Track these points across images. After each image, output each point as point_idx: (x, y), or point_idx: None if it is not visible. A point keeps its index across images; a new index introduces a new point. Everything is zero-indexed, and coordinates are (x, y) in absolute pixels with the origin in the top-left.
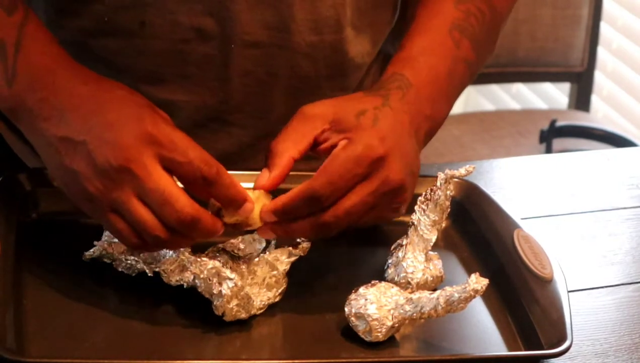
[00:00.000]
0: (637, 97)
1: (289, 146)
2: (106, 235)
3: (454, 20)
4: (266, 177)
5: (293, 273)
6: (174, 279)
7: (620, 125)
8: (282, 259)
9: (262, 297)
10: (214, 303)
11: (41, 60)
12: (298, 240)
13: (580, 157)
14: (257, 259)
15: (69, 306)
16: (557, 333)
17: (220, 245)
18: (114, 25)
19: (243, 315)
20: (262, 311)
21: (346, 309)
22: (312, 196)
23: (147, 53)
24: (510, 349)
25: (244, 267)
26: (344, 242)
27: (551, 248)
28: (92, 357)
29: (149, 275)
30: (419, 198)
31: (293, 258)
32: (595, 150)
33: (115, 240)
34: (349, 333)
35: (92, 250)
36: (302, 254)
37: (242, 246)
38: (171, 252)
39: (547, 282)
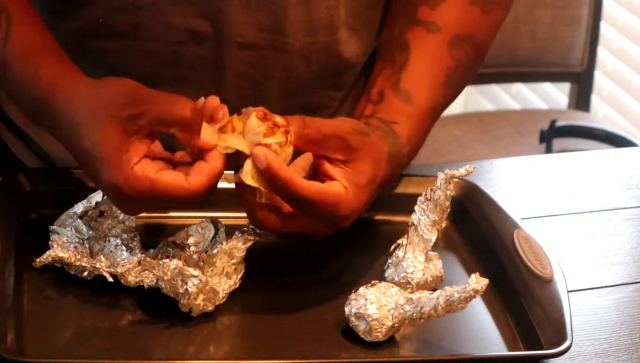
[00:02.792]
0: (637, 97)
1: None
2: (54, 241)
3: (447, 71)
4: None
5: (293, 273)
6: (133, 281)
7: (620, 125)
8: (239, 246)
9: (223, 286)
10: (181, 301)
11: (28, 84)
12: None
13: (580, 157)
14: (215, 251)
15: (68, 306)
16: (557, 333)
17: (170, 239)
18: (108, 28)
19: (210, 308)
20: (225, 299)
21: (346, 309)
22: (294, 195)
23: (141, 55)
24: (510, 349)
25: (201, 262)
26: (344, 242)
27: (551, 248)
28: (92, 357)
29: (109, 280)
30: (419, 198)
31: (249, 244)
32: (595, 150)
33: (67, 245)
34: (349, 333)
35: (43, 256)
36: (257, 238)
37: (191, 240)
38: (127, 254)
39: (547, 282)
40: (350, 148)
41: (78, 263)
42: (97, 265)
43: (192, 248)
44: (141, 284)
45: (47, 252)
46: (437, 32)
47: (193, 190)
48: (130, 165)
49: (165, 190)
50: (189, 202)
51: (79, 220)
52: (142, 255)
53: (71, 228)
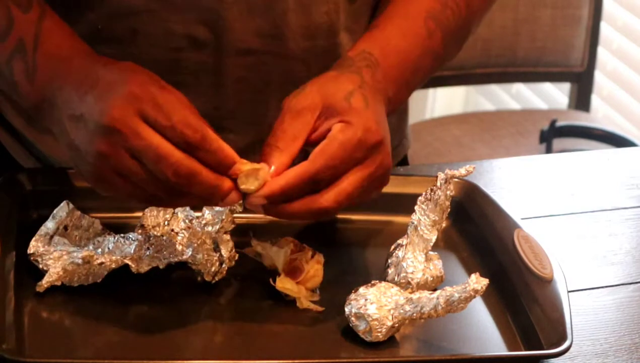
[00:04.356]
0: (637, 97)
1: (284, 152)
2: (45, 262)
3: (430, 9)
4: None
5: None
6: (143, 269)
7: (620, 125)
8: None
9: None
10: (211, 270)
11: (59, 52)
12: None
13: (580, 157)
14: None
15: (68, 306)
16: (557, 333)
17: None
18: (107, 34)
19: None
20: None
21: (346, 309)
22: (311, 179)
23: (140, 61)
24: (510, 349)
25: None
26: (344, 242)
27: (551, 248)
28: (92, 357)
29: (132, 269)
30: (419, 198)
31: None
32: (595, 150)
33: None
34: (349, 333)
35: (43, 281)
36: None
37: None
38: (128, 243)
39: (547, 282)
40: (309, 109)
41: (96, 262)
42: (115, 257)
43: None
44: (155, 267)
45: (49, 272)
46: None
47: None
48: (161, 83)
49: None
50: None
51: (56, 237)
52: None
53: (54, 245)
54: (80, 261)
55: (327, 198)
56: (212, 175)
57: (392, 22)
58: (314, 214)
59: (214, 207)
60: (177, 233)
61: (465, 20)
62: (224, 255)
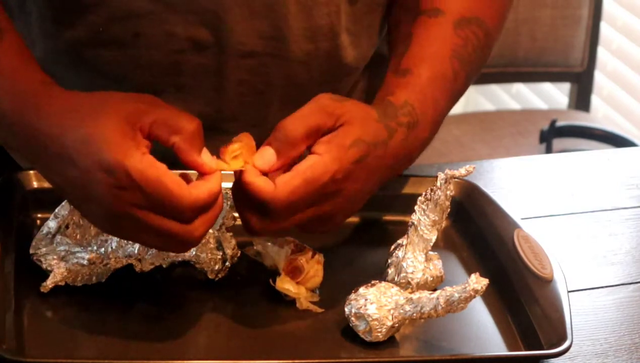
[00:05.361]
0: (637, 97)
1: (300, 128)
2: (48, 262)
3: (453, 47)
4: (270, 156)
5: None
6: (149, 263)
7: (620, 125)
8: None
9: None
10: (215, 267)
11: (5, 94)
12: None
13: (580, 157)
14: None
15: (68, 306)
16: (557, 333)
17: None
18: (108, 36)
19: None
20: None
21: (346, 309)
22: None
23: (142, 64)
24: (510, 349)
25: None
26: (344, 242)
27: (551, 248)
28: (94, 357)
29: (137, 269)
30: (419, 198)
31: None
32: (595, 150)
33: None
34: (349, 333)
35: (48, 282)
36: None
37: None
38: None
39: (547, 282)
40: (332, 115)
41: (101, 263)
42: (119, 258)
43: None
44: (158, 266)
45: (54, 272)
46: (440, 15)
47: (194, 200)
48: (141, 151)
49: (171, 187)
50: (183, 216)
51: (58, 236)
52: None
53: (56, 245)
54: (86, 262)
55: (279, 223)
56: (214, 215)
57: (423, 66)
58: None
59: None
60: None
61: (485, 48)
62: (227, 254)
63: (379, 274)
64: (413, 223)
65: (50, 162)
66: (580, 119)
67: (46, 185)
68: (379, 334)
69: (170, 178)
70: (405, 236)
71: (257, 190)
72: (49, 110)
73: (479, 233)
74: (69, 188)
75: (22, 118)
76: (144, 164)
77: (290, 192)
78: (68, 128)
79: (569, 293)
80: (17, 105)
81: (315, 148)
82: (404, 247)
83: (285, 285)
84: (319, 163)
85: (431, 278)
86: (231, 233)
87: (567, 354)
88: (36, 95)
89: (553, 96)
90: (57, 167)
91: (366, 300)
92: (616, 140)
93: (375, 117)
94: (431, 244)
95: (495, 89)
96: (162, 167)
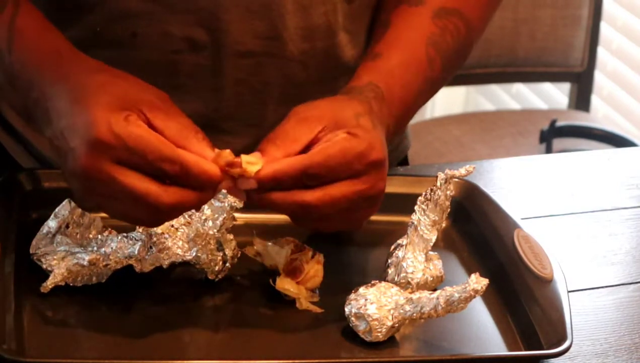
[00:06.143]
0: (637, 97)
1: (280, 149)
2: (48, 262)
3: (430, 35)
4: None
5: None
6: (146, 268)
7: (620, 125)
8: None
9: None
10: (215, 268)
11: (31, 58)
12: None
13: (580, 157)
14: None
15: (69, 306)
16: (557, 333)
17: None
18: (106, 36)
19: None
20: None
21: (346, 309)
22: (304, 171)
23: (139, 64)
24: (510, 349)
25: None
26: (344, 242)
27: (551, 248)
28: (92, 357)
29: (137, 269)
30: (419, 198)
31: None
32: (595, 150)
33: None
34: (349, 333)
35: (48, 282)
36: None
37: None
38: (131, 243)
39: (547, 282)
40: (312, 123)
41: (102, 264)
42: (120, 258)
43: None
44: (159, 266)
45: (54, 272)
46: (419, 5)
47: (178, 154)
48: (124, 115)
49: (155, 138)
50: (162, 166)
51: (59, 236)
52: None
53: (57, 244)
54: (86, 263)
55: (312, 193)
56: (195, 195)
57: (395, 50)
58: (295, 208)
59: (213, 203)
60: (176, 229)
61: (466, 40)
62: (227, 254)
63: (379, 274)
64: (413, 223)
65: (44, 114)
66: (580, 119)
67: (46, 185)
68: (379, 334)
69: (155, 135)
70: (405, 236)
71: (290, 164)
72: (70, 68)
73: (479, 233)
74: (55, 141)
75: (43, 70)
76: (129, 121)
77: (328, 156)
78: (72, 86)
79: (569, 293)
80: (43, 57)
81: (329, 137)
82: (404, 247)
83: (285, 285)
84: (347, 138)
85: (431, 279)
86: (232, 235)
87: (567, 354)
88: (61, 53)
89: (553, 96)
90: (50, 116)
91: (366, 300)
92: (616, 140)
93: (347, 98)
94: (431, 244)
95: (495, 89)
96: (149, 129)
